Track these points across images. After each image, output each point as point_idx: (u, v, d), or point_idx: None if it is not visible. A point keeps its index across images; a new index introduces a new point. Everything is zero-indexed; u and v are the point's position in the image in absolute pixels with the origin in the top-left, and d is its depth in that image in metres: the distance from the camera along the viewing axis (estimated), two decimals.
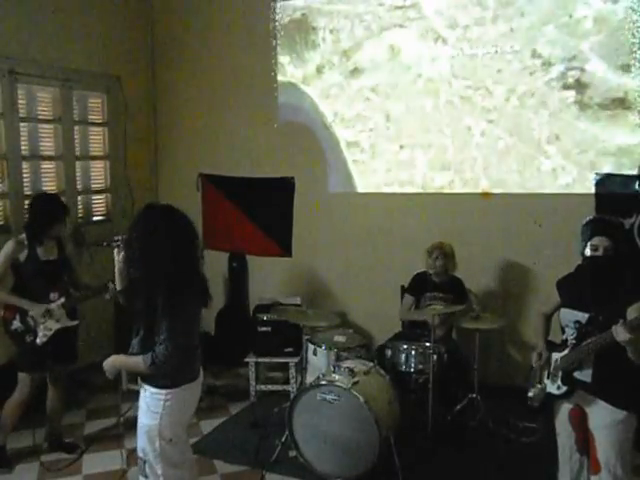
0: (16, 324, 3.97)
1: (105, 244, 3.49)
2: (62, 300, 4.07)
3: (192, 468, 3.14)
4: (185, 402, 2.96)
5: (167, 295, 2.75)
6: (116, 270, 3.17)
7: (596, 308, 2.90)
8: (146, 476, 2.93)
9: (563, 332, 3.09)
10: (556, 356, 3.09)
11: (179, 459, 2.97)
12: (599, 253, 2.90)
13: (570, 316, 3.02)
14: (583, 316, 2.95)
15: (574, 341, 2.98)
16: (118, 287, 3.16)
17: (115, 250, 3.20)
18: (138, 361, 2.81)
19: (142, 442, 2.91)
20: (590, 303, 2.94)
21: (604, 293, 2.92)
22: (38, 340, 3.96)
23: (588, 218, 3.06)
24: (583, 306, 2.97)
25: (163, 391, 2.86)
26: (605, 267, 2.91)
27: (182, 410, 2.96)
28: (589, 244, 2.93)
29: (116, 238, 3.26)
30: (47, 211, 4.04)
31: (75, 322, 4.16)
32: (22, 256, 4.01)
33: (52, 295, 4.05)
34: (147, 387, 2.90)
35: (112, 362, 2.98)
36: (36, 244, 4.02)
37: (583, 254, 2.98)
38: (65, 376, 4.36)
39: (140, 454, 2.94)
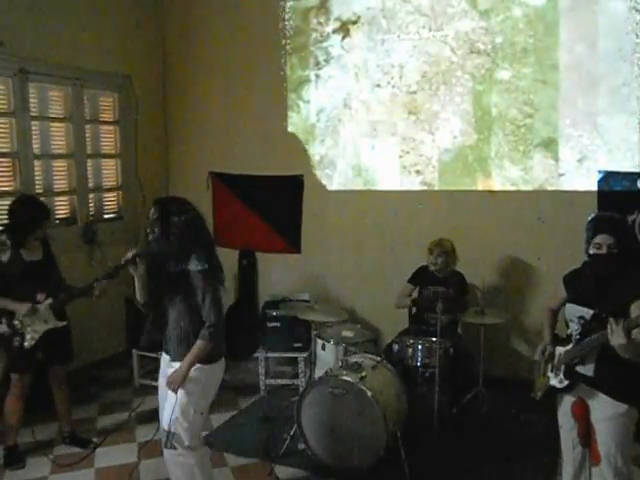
0: (2, 328, 3.86)
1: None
2: (49, 301, 3.94)
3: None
4: (217, 377, 3.22)
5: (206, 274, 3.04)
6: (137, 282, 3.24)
7: (600, 304, 2.92)
8: (174, 448, 3.13)
9: (568, 327, 3.11)
10: (560, 350, 3.11)
11: (201, 431, 3.23)
12: (603, 251, 2.92)
13: (574, 311, 3.04)
14: (587, 312, 2.97)
15: (578, 336, 3.00)
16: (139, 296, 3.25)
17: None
18: (199, 346, 3.01)
19: (174, 414, 3.08)
20: (594, 299, 2.96)
21: (608, 290, 2.94)
22: (26, 343, 3.85)
23: (591, 216, 3.07)
24: (587, 302, 2.98)
25: (206, 366, 3.10)
26: (609, 265, 2.93)
27: (214, 384, 3.22)
28: (593, 242, 2.95)
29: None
30: (30, 215, 4.00)
31: (63, 323, 4.03)
32: (4, 257, 3.95)
33: (39, 296, 3.93)
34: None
35: (180, 374, 3.06)
36: (18, 245, 3.97)
37: (587, 252, 3.00)
38: (65, 376, 4.30)
39: (166, 427, 3.12)
